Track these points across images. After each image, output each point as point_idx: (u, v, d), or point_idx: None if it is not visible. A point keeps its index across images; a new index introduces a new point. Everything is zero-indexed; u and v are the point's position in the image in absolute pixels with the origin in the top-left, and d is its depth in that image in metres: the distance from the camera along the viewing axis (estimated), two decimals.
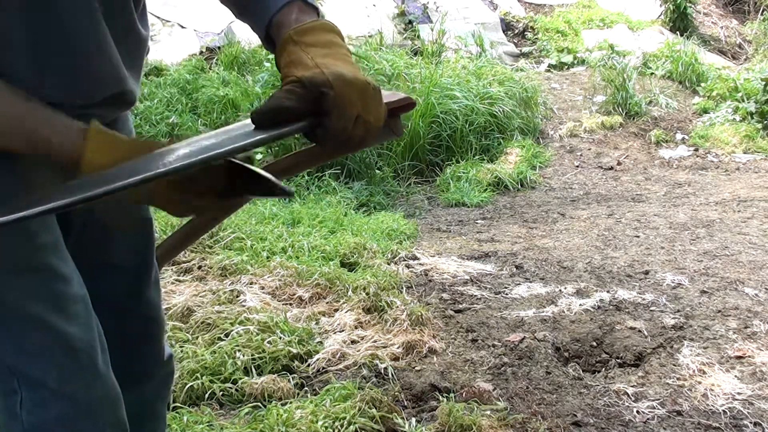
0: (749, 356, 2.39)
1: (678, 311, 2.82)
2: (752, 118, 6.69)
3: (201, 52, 6.93)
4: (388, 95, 1.03)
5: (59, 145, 0.87)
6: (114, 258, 1.15)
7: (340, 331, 2.58)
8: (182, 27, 7.16)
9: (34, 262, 0.96)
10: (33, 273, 0.96)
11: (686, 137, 6.66)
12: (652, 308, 2.87)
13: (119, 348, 1.09)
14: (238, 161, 0.91)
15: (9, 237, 0.93)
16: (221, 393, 2.15)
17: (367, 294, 2.84)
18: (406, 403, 2.15)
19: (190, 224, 1.20)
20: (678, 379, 2.28)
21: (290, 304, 2.81)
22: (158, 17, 6.80)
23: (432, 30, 7.90)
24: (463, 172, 5.37)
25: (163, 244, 1.26)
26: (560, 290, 3.08)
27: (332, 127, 0.86)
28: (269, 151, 4.86)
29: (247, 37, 7.33)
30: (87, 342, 0.99)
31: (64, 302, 0.98)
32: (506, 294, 3.09)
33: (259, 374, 2.25)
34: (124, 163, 0.85)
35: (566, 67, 8.22)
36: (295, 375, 2.30)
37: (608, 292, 3.04)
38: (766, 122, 6.63)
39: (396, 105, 1.03)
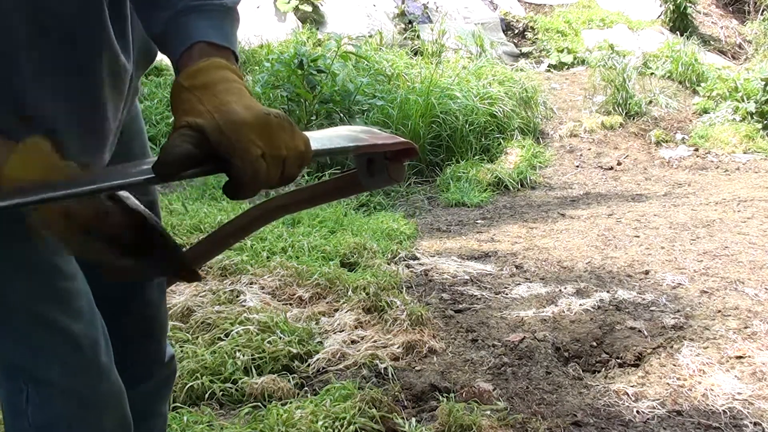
0: (749, 356, 2.39)
1: (678, 311, 2.82)
2: (752, 118, 6.69)
3: None
4: (385, 137, 1.00)
5: None
6: None
7: (340, 331, 2.58)
8: None
9: (37, 261, 0.96)
10: (37, 271, 0.96)
11: (686, 137, 6.66)
12: (652, 308, 2.87)
13: (118, 346, 1.09)
14: (145, 215, 0.84)
15: (11, 236, 0.94)
16: (221, 393, 2.15)
17: (367, 294, 2.84)
18: (406, 403, 2.15)
19: (207, 241, 1.19)
20: (678, 379, 2.28)
21: (290, 304, 2.81)
22: None
23: (432, 30, 7.90)
24: (463, 172, 5.37)
25: (192, 249, 1.25)
26: (560, 290, 3.08)
27: (238, 176, 0.78)
28: None
29: (246, 37, 7.33)
30: (91, 338, 1.00)
31: (68, 299, 0.98)
32: (506, 294, 3.09)
33: (259, 374, 2.25)
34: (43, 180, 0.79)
35: (566, 67, 8.23)
36: (295, 375, 2.30)
37: (608, 292, 3.04)
38: (766, 122, 6.64)
39: (394, 149, 0.99)
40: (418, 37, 7.93)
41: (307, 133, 0.86)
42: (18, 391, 0.98)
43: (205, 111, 0.78)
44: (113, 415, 1.03)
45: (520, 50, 8.68)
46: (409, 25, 8.26)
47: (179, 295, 2.76)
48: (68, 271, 0.99)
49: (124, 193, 0.86)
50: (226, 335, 2.45)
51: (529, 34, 9.06)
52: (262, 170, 0.78)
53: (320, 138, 0.95)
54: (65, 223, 0.81)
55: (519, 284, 3.20)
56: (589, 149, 6.37)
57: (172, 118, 0.84)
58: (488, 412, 2.06)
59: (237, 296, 2.79)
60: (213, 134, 0.76)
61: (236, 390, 2.16)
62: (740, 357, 2.39)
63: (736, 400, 2.14)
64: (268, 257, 3.24)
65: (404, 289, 3.06)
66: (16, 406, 0.99)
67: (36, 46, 0.88)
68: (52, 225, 0.81)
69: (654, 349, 2.50)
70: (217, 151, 0.77)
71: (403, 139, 1.00)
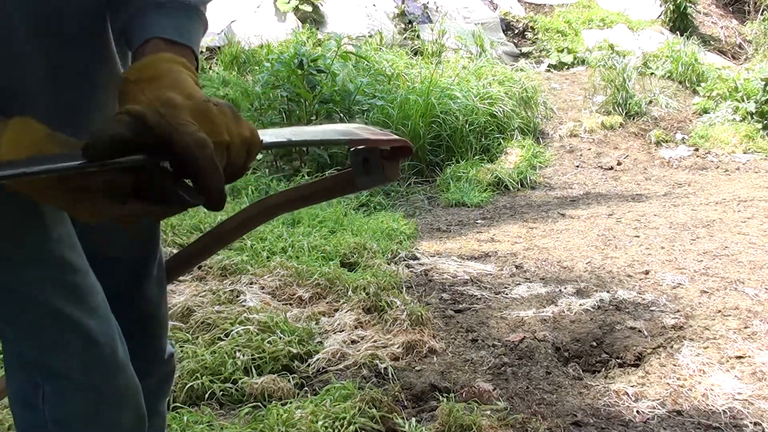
0: (749, 356, 2.39)
1: (678, 311, 2.82)
2: (752, 118, 6.69)
3: (201, 52, 6.93)
4: (380, 134, 1.00)
5: None
6: (114, 251, 1.15)
7: (340, 331, 2.58)
8: None
9: (50, 256, 0.96)
10: (50, 266, 0.96)
11: (686, 137, 6.66)
12: (652, 308, 2.87)
13: None
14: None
15: (24, 231, 0.94)
16: (221, 393, 2.15)
17: (367, 294, 2.84)
18: (406, 403, 2.15)
19: (204, 240, 1.19)
20: (678, 379, 2.28)
21: (290, 304, 2.81)
22: None
23: (432, 30, 7.91)
24: (463, 172, 5.37)
25: (176, 257, 1.26)
26: (560, 290, 3.08)
27: (185, 163, 0.74)
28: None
29: (247, 37, 7.33)
30: (107, 333, 1.00)
31: (82, 294, 0.98)
32: (506, 294, 3.09)
33: (259, 374, 2.25)
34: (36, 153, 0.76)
35: (566, 67, 8.23)
36: (295, 375, 2.30)
37: (608, 292, 3.04)
38: (766, 122, 6.64)
39: (388, 146, 0.99)
40: (418, 37, 7.93)
41: (301, 127, 0.86)
42: (33, 387, 0.98)
43: (145, 100, 0.77)
44: (130, 410, 1.03)
45: (520, 50, 8.68)
46: (409, 25, 8.26)
47: (179, 295, 2.76)
48: (80, 267, 0.99)
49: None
50: (226, 335, 2.45)
51: (529, 34, 9.06)
52: (207, 144, 0.75)
53: (313, 131, 0.95)
54: (60, 187, 0.77)
55: (519, 284, 3.20)
56: (589, 149, 6.38)
57: None
58: (488, 412, 2.06)
59: (237, 296, 2.79)
60: (151, 117, 0.74)
61: (236, 390, 2.16)
62: (740, 357, 2.39)
63: (736, 400, 2.14)
64: (268, 257, 3.24)
65: (404, 289, 3.06)
66: (30, 402, 0.99)
67: (37, 46, 0.88)
68: (46, 193, 0.78)
69: (654, 349, 2.50)
70: (156, 134, 0.74)
71: (397, 137, 1.00)
